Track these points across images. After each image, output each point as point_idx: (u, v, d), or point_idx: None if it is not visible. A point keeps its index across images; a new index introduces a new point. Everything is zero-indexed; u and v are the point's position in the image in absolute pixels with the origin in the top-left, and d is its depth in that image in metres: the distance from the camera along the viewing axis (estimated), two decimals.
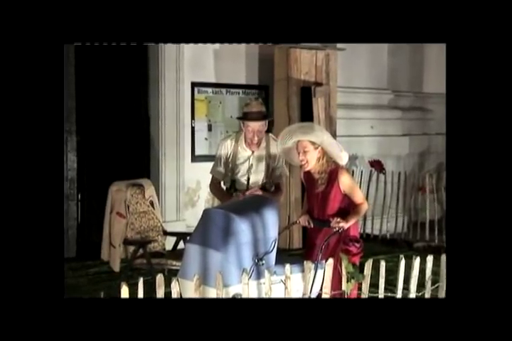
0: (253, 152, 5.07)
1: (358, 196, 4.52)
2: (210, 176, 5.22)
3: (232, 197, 4.96)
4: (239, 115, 7.65)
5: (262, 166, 5.06)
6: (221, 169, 5.14)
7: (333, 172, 4.48)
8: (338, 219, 4.37)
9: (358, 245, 4.50)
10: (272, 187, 5.17)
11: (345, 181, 4.47)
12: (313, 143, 4.43)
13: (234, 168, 5.09)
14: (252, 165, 5.05)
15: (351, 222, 4.43)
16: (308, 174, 4.58)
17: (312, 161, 4.47)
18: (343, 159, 4.52)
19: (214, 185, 5.22)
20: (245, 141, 5.07)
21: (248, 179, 5.03)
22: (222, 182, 5.21)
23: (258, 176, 5.07)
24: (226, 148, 5.13)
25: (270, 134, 5.20)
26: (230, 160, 5.10)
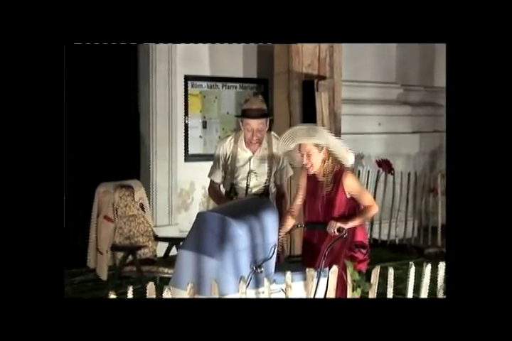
0: (254, 153, 5.05)
1: (366, 199, 4.52)
2: (209, 180, 5.22)
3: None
4: (236, 111, 7.65)
5: (264, 168, 5.05)
6: (220, 172, 5.13)
7: (337, 175, 4.49)
8: (333, 223, 4.36)
9: (364, 251, 4.51)
10: (274, 189, 5.16)
11: (350, 184, 4.48)
12: (317, 145, 4.45)
13: (234, 171, 5.07)
14: (252, 167, 5.04)
15: (353, 223, 4.43)
16: (311, 177, 4.58)
17: (317, 164, 4.48)
18: (349, 160, 4.53)
19: (213, 189, 5.21)
20: (245, 142, 5.05)
21: (248, 182, 5.01)
22: (221, 186, 5.21)
23: (259, 179, 5.06)
24: (225, 149, 5.10)
25: (272, 132, 5.18)
26: (229, 162, 5.08)
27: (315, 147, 4.45)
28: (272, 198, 5.14)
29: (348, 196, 4.50)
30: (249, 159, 5.05)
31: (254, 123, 4.98)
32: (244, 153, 5.06)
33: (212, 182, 5.20)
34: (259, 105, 5.04)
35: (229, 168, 5.08)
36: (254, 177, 5.04)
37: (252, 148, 5.05)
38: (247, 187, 5.01)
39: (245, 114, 5.04)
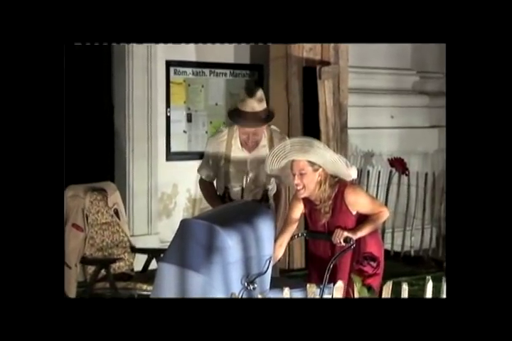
0: (250, 152, 5.03)
1: (375, 208, 4.55)
2: (197, 178, 5.22)
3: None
4: (226, 102, 7.52)
5: (263, 169, 5.01)
6: (211, 173, 5.11)
7: (337, 196, 4.49)
8: (339, 232, 4.37)
9: (374, 264, 4.52)
10: (272, 192, 5.17)
11: (354, 201, 4.50)
12: (312, 163, 4.42)
13: (227, 173, 5.05)
14: (249, 168, 5.02)
15: (362, 233, 4.45)
16: (307, 204, 4.57)
17: (310, 186, 4.46)
18: (351, 176, 4.53)
19: (204, 187, 5.19)
20: (240, 140, 5.02)
21: (243, 185, 5.00)
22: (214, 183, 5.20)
23: (257, 183, 5.04)
24: (217, 147, 5.05)
25: (272, 127, 5.15)
26: (222, 163, 5.05)
27: (309, 165, 4.42)
28: (272, 203, 5.14)
29: (354, 213, 4.53)
30: (246, 160, 5.03)
31: (250, 128, 4.93)
32: (239, 153, 5.02)
33: (202, 179, 5.19)
34: (256, 107, 4.91)
35: (222, 169, 5.05)
36: (250, 180, 5.03)
37: (248, 149, 5.03)
38: (243, 190, 5.00)
39: (239, 117, 4.91)
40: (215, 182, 5.23)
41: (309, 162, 4.42)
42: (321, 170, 4.44)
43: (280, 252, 4.56)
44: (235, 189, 5.05)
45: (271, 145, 5.00)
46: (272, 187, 5.15)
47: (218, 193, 5.15)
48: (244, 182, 5.00)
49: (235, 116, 4.98)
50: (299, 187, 4.47)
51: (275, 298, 3.64)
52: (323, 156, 4.42)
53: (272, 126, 5.15)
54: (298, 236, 4.68)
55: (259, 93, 5.02)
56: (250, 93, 4.97)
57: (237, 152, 5.02)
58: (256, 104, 4.93)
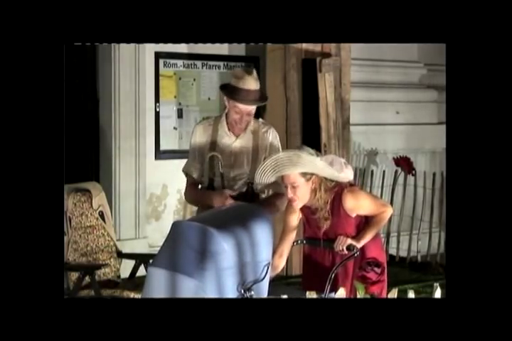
0: (237, 137, 5.05)
1: (377, 209, 4.56)
2: (184, 176, 5.22)
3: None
4: (220, 96, 7.48)
5: (248, 157, 5.05)
6: (196, 164, 5.12)
7: (335, 200, 4.51)
8: (342, 239, 4.40)
9: (378, 270, 4.53)
10: (259, 187, 5.16)
11: (353, 205, 4.51)
12: (303, 174, 4.45)
13: (212, 160, 5.05)
14: (233, 154, 5.03)
15: (366, 238, 4.47)
16: (304, 207, 4.59)
17: (305, 197, 4.49)
18: (348, 177, 4.55)
19: (189, 188, 5.19)
20: (228, 123, 5.04)
21: (221, 172, 5.00)
22: (199, 184, 5.20)
23: (240, 170, 5.05)
24: (202, 134, 5.09)
25: (260, 120, 5.20)
26: (207, 151, 5.06)
27: (301, 177, 4.44)
28: (262, 200, 5.14)
29: (353, 216, 4.55)
30: (230, 145, 5.05)
31: (246, 107, 4.99)
32: (226, 138, 5.04)
33: (188, 179, 5.18)
34: (253, 86, 4.98)
35: (207, 158, 5.07)
36: (233, 166, 5.02)
37: (236, 131, 5.05)
38: (222, 176, 4.98)
39: (238, 95, 4.97)
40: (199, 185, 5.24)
41: (300, 173, 4.45)
42: (313, 177, 4.46)
43: (281, 263, 4.57)
44: (219, 179, 5.06)
45: (256, 138, 5.05)
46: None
47: (201, 186, 5.15)
48: (220, 167, 5.00)
49: (233, 93, 5.02)
50: (292, 200, 4.50)
51: (272, 298, 3.69)
52: (313, 164, 4.44)
53: (261, 120, 5.22)
54: (297, 243, 4.69)
55: (255, 73, 5.17)
56: (248, 71, 5.12)
57: (223, 136, 5.05)
58: (253, 82, 5.03)
